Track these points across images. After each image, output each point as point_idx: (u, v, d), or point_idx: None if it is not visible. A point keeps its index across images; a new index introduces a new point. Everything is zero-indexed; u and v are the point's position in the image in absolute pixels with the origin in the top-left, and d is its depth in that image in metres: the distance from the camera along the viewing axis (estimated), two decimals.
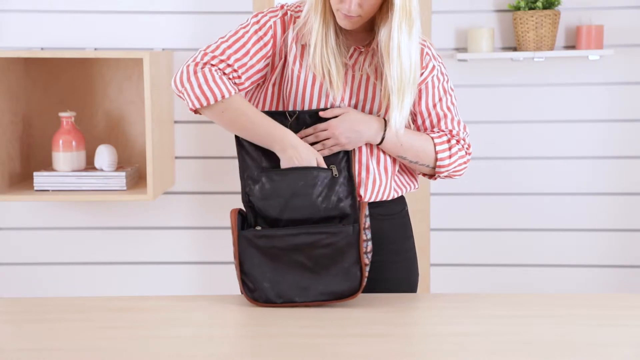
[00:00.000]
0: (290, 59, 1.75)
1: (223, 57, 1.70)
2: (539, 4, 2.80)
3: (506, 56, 2.87)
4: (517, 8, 2.86)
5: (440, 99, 1.83)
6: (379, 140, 1.76)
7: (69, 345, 1.45)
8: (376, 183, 1.80)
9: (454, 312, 1.64)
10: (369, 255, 1.67)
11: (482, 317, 1.60)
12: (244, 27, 1.75)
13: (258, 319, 1.60)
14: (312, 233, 1.64)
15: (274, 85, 1.79)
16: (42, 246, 2.98)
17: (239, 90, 1.73)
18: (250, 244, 1.65)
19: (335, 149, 1.72)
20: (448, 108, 1.84)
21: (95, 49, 2.87)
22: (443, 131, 1.83)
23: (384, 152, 1.80)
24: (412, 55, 1.70)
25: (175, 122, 2.94)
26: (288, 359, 1.39)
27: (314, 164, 1.69)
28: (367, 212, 1.67)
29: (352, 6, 1.65)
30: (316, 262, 1.65)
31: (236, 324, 1.61)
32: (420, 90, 1.80)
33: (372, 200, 1.80)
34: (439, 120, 1.83)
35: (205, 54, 1.71)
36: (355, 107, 1.78)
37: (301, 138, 1.72)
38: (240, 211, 1.68)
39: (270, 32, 1.75)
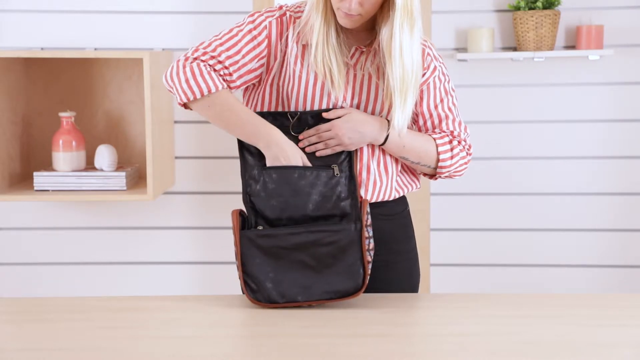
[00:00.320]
0: (292, 59, 1.75)
1: (214, 54, 1.70)
2: (539, 4, 2.80)
3: (506, 56, 2.87)
4: (517, 8, 2.86)
5: (441, 100, 1.83)
6: (381, 141, 1.76)
7: (69, 345, 1.45)
8: (377, 184, 1.80)
9: (454, 312, 1.64)
10: (372, 253, 1.67)
11: (482, 317, 1.60)
12: (239, 26, 1.75)
13: (258, 319, 1.60)
14: (314, 231, 1.64)
15: (271, 85, 1.78)
16: (42, 246, 2.98)
17: (231, 88, 1.73)
18: (252, 244, 1.65)
19: (338, 149, 1.72)
20: (449, 109, 1.84)
21: (95, 49, 2.87)
22: (444, 132, 1.83)
23: (384, 153, 1.80)
24: (414, 54, 1.69)
25: (175, 122, 2.94)
26: (288, 359, 1.39)
27: (300, 163, 1.69)
28: (368, 210, 1.67)
29: (353, 5, 1.64)
30: (319, 261, 1.65)
31: (236, 324, 1.61)
32: (422, 91, 1.80)
33: (373, 200, 1.80)
34: (440, 122, 1.83)
35: (197, 50, 1.71)
36: (358, 107, 1.77)
37: (304, 138, 1.72)
38: (241, 212, 1.68)
39: (265, 32, 1.74)
